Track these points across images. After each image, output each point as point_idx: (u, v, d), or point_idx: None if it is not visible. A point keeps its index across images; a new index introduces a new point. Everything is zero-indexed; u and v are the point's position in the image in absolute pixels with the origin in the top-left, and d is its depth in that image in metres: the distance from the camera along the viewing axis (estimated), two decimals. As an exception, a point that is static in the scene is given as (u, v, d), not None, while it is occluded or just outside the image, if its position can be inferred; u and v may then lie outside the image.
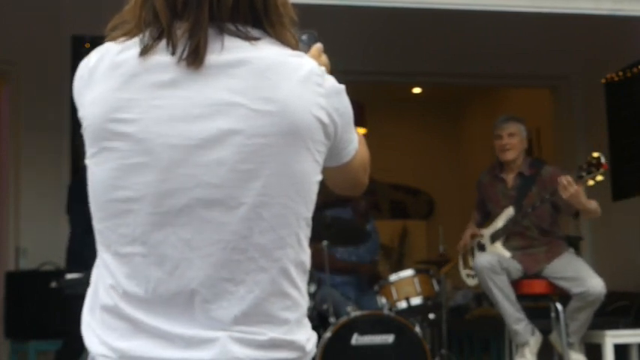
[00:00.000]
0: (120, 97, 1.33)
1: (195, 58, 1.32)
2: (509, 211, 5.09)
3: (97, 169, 1.36)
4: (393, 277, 5.06)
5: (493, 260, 4.93)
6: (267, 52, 1.35)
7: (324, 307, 4.89)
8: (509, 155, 5.15)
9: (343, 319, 4.68)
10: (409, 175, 10.19)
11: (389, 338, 4.66)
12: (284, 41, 1.39)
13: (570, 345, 4.91)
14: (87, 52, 1.42)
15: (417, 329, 4.73)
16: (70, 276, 4.64)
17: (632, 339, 5.47)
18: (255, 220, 1.32)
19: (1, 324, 5.79)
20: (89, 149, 1.37)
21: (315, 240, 5.28)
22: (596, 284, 4.80)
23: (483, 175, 5.40)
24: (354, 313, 4.75)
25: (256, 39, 1.36)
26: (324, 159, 1.40)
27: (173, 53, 1.33)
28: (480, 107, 9.89)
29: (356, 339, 4.63)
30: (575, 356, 4.91)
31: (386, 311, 4.89)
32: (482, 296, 6.64)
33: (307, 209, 1.38)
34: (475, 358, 7.32)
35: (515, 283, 4.98)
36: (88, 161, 1.38)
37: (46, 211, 6.06)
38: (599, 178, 4.73)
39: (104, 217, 1.37)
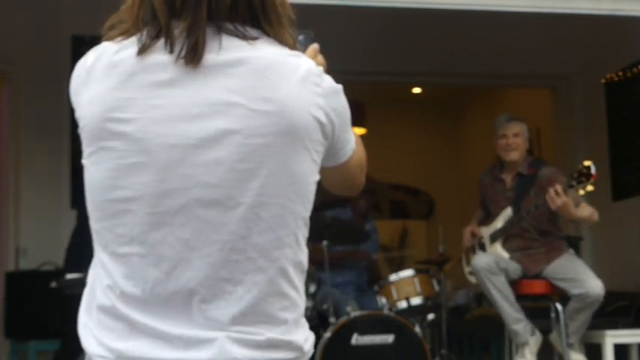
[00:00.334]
0: (117, 96, 1.33)
1: (193, 57, 1.32)
2: (508, 212, 5.09)
3: (95, 169, 1.36)
4: (393, 277, 5.06)
5: (490, 261, 4.93)
6: (265, 52, 1.35)
7: (324, 307, 4.89)
8: (514, 155, 5.13)
9: (343, 319, 4.68)
10: (409, 175, 10.19)
11: (389, 338, 4.66)
12: (282, 41, 1.39)
13: (570, 345, 4.91)
14: (87, 52, 1.42)
15: (417, 329, 4.73)
16: (70, 276, 4.64)
17: (632, 339, 5.47)
18: (254, 220, 1.32)
19: (1, 324, 5.79)
20: (86, 149, 1.37)
21: (315, 240, 5.30)
22: (595, 286, 4.80)
23: (484, 175, 5.40)
24: (354, 313, 4.75)
25: (254, 39, 1.36)
26: (322, 159, 1.40)
27: (171, 52, 1.33)
28: (479, 107, 9.89)
29: (356, 339, 4.63)
30: (575, 356, 4.91)
31: (386, 311, 4.89)
32: (482, 296, 6.64)
33: (305, 209, 1.38)
34: (475, 358, 7.31)
35: (515, 284, 4.98)
36: (85, 161, 1.38)
37: (46, 211, 6.07)
38: (589, 188, 4.71)
39: (101, 217, 1.36)
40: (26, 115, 6.19)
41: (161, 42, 1.34)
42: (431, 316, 5.19)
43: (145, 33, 1.35)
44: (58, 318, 5.24)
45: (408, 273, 5.11)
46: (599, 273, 4.96)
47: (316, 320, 4.85)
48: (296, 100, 1.33)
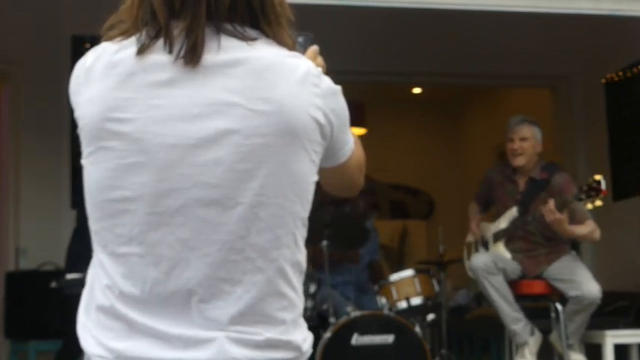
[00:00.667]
0: (117, 96, 1.33)
1: (192, 56, 1.32)
2: (513, 212, 5.06)
3: (94, 169, 1.36)
4: (393, 277, 5.06)
5: (488, 261, 4.92)
6: (264, 53, 1.35)
7: (324, 307, 4.89)
8: (519, 161, 5.05)
9: (343, 319, 4.68)
10: (409, 175, 10.19)
11: (389, 338, 4.66)
12: (281, 42, 1.39)
13: (570, 345, 4.91)
14: (87, 52, 1.42)
15: (417, 329, 4.73)
16: (70, 276, 4.64)
17: (632, 339, 5.47)
18: (253, 220, 1.32)
19: (1, 324, 5.79)
20: (85, 149, 1.37)
21: (314, 241, 5.30)
22: (592, 288, 4.80)
23: (494, 173, 5.30)
24: (354, 313, 4.75)
25: (253, 39, 1.36)
26: (321, 160, 1.40)
27: (170, 52, 1.33)
28: (479, 107, 9.89)
29: (356, 339, 4.63)
30: (575, 356, 4.91)
31: (386, 311, 4.89)
32: (482, 296, 6.64)
33: (304, 209, 1.38)
34: (475, 358, 7.32)
35: (515, 284, 4.98)
36: (84, 161, 1.38)
37: (46, 211, 6.07)
38: (598, 203, 4.69)
39: (100, 217, 1.37)
40: (26, 115, 6.19)
41: (160, 42, 1.34)
42: (431, 316, 5.19)
43: (144, 33, 1.35)
44: (58, 318, 5.25)
45: (408, 273, 5.11)
46: (600, 273, 4.97)
47: (316, 320, 4.85)
48: (294, 100, 1.33)
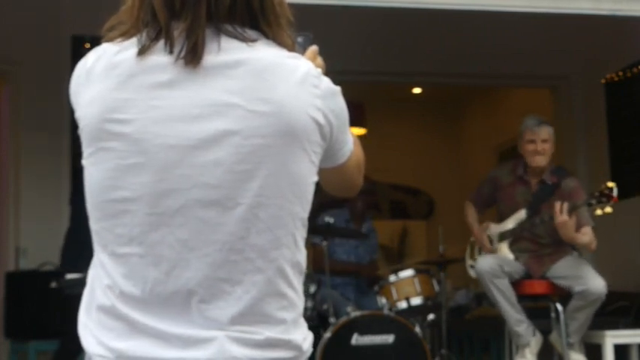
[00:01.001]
0: (117, 97, 1.34)
1: (192, 57, 1.32)
2: (521, 214, 5.05)
3: (94, 170, 1.37)
4: (393, 277, 5.06)
5: (494, 264, 4.92)
6: (264, 54, 1.36)
7: (324, 307, 4.89)
8: (542, 161, 5.02)
9: (343, 319, 4.69)
10: (409, 175, 10.19)
11: (389, 338, 4.66)
12: (280, 42, 1.40)
13: (570, 345, 4.91)
14: (87, 52, 1.42)
15: (417, 329, 4.73)
16: (70, 276, 4.64)
17: (632, 339, 5.47)
18: (252, 220, 1.33)
19: (1, 324, 5.79)
20: (86, 149, 1.38)
21: (314, 241, 5.30)
22: (598, 284, 4.81)
23: (501, 173, 5.26)
24: (354, 313, 4.76)
25: (253, 40, 1.36)
26: (320, 160, 1.41)
27: (171, 52, 1.33)
28: (479, 107, 9.89)
29: (356, 339, 4.64)
30: (575, 356, 4.91)
31: (386, 311, 4.89)
32: (482, 296, 6.64)
33: (303, 210, 1.39)
34: (475, 358, 7.32)
35: (516, 284, 4.97)
36: (84, 161, 1.38)
37: (46, 211, 6.07)
38: (608, 210, 4.70)
39: (101, 217, 1.37)
40: (26, 115, 6.20)
41: (161, 43, 1.34)
42: (431, 316, 5.20)
43: (144, 34, 1.35)
44: (58, 318, 5.25)
45: (407, 273, 5.11)
46: (599, 273, 4.96)
47: (316, 320, 4.85)
48: (294, 101, 1.33)
